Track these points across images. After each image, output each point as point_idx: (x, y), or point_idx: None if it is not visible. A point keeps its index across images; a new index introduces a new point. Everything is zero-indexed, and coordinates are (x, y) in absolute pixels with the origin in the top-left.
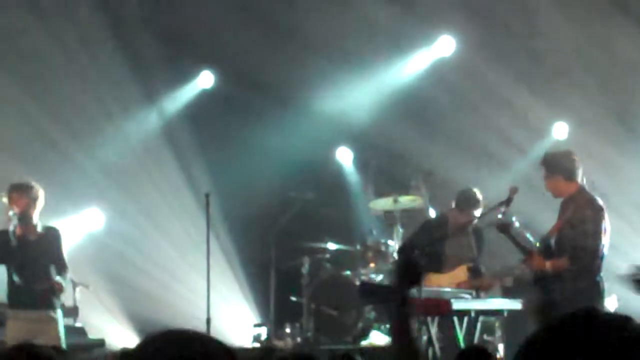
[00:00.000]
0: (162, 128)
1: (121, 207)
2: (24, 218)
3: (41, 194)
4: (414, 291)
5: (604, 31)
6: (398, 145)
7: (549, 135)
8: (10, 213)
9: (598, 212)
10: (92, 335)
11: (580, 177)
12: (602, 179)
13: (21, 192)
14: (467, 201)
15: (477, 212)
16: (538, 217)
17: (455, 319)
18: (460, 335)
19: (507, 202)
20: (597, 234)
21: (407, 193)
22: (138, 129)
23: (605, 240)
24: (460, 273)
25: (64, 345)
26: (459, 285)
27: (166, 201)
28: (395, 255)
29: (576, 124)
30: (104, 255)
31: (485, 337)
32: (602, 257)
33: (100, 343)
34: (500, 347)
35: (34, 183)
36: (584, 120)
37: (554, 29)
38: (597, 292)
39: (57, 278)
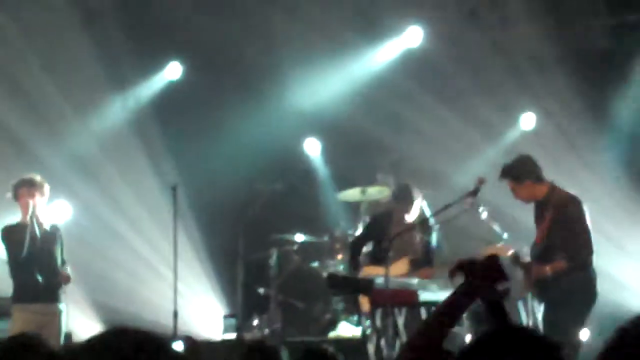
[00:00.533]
0: (129, 119)
1: (89, 199)
2: (34, 213)
3: (47, 188)
4: (380, 282)
5: (572, 19)
6: (366, 135)
7: (516, 125)
8: (30, 208)
9: (579, 205)
10: None
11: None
12: (569, 170)
13: (30, 187)
14: (403, 196)
15: (412, 208)
16: (507, 205)
17: (423, 309)
18: None
19: (474, 192)
20: (585, 228)
21: (374, 184)
22: (105, 120)
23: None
24: (402, 265)
25: (62, 338)
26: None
27: (134, 193)
28: (348, 251)
29: (544, 114)
30: (71, 247)
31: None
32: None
33: (67, 335)
34: (468, 338)
35: (40, 177)
36: (551, 110)
37: (522, 17)
38: (592, 283)
39: (67, 270)
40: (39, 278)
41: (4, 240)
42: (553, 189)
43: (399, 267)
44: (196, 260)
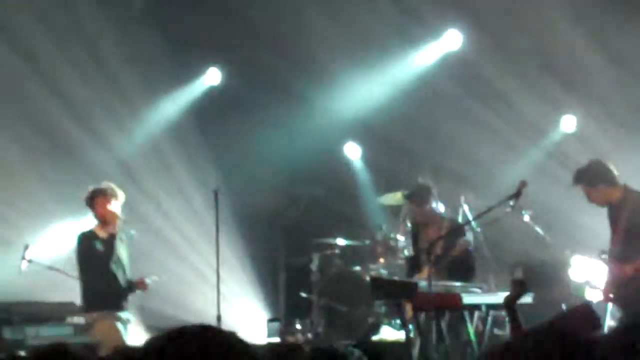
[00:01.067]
0: (169, 126)
1: (132, 204)
2: (108, 221)
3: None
4: (423, 285)
5: (613, 24)
6: (407, 139)
7: (557, 128)
8: (119, 219)
9: None
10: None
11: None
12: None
13: (106, 196)
14: (419, 197)
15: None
16: (551, 207)
17: (466, 313)
18: (471, 329)
19: (517, 195)
20: None
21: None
22: (145, 127)
23: None
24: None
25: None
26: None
27: (175, 199)
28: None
29: (584, 117)
30: None
31: (495, 331)
32: None
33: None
34: None
35: (114, 186)
36: (593, 112)
37: (564, 22)
38: None
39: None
40: (122, 285)
41: (84, 247)
42: (628, 192)
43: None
44: (239, 264)
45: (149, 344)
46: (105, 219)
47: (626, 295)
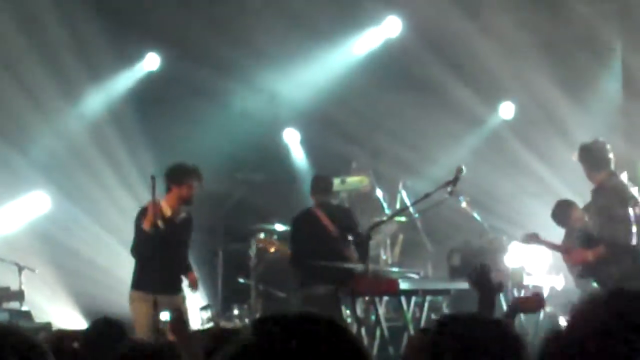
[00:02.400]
0: (108, 111)
1: (67, 190)
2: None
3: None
4: (361, 270)
5: (552, 8)
6: (345, 125)
7: (496, 114)
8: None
9: (607, 192)
10: (39, 318)
11: (611, 165)
12: (549, 157)
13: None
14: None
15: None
16: (488, 193)
17: (403, 298)
18: (408, 315)
19: (454, 181)
20: (625, 217)
21: (351, 173)
22: (84, 112)
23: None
24: None
25: None
26: None
27: (112, 183)
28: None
29: (523, 103)
30: (50, 239)
31: (432, 316)
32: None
33: (47, 326)
34: None
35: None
36: (531, 99)
37: (500, 9)
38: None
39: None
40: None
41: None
42: (608, 179)
43: None
44: None
45: None
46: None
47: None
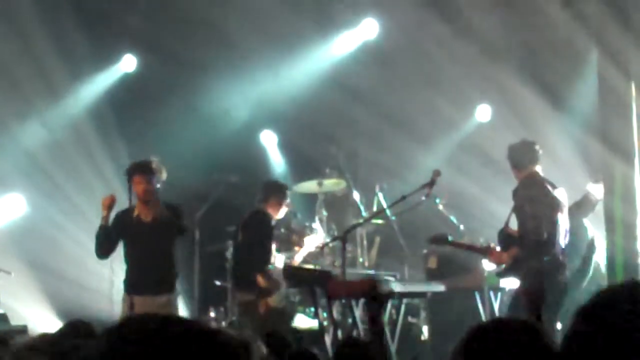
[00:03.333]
0: (85, 112)
1: (43, 192)
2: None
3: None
4: (337, 274)
5: (529, 12)
6: (323, 127)
7: (472, 117)
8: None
9: (528, 188)
10: (14, 321)
11: (534, 164)
12: None
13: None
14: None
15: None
16: (465, 195)
17: None
18: (385, 317)
19: (430, 184)
20: (535, 215)
21: (325, 177)
22: (61, 112)
23: (560, 220)
24: None
25: None
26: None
27: (90, 185)
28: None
29: (500, 106)
30: (26, 241)
31: (409, 319)
32: (552, 236)
33: (23, 329)
34: (425, 329)
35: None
36: (507, 102)
37: (477, 8)
38: (555, 268)
39: None
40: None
41: None
42: (528, 177)
43: None
44: None
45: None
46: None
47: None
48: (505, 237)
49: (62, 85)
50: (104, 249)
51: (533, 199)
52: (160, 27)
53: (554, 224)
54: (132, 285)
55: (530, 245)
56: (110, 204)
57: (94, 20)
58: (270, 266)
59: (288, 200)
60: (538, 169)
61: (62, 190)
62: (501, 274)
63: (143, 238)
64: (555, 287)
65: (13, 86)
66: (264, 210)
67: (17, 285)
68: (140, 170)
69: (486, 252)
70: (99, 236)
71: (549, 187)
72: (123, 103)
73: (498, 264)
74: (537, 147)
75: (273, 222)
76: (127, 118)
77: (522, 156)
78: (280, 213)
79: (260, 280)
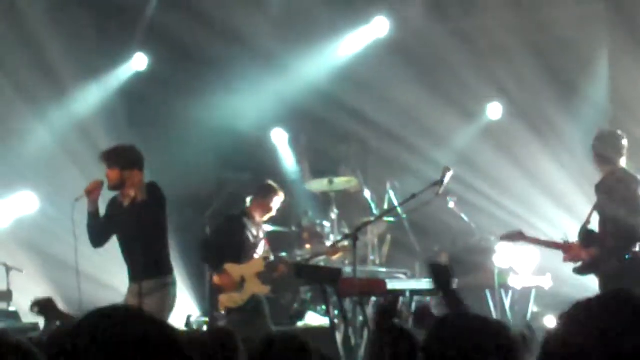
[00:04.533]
0: (96, 110)
1: (55, 189)
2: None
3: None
4: (348, 272)
5: (542, 13)
6: (334, 126)
7: (483, 114)
8: None
9: (623, 192)
10: (26, 319)
11: (618, 158)
12: (535, 158)
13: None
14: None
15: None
16: (478, 191)
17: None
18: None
19: (441, 181)
20: (617, 216)
21: (339, 175)
22: (72, 111)
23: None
24: (256, 265)
25: None
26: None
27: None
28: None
29: (510, 105)
30: (38, 239)
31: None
32: (632, 236)
33: (34, 327)
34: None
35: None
36: (518, 100)
37: (489, 6)
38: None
39: None
40: None
41: None
42: (610, 174)
43: (255, 265)
44: None
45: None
46: None
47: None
48: (586, 234)
49: (73, 83)
50: (93, 238)
51: (615, 198)
52: (171, 25)
53: (635, 225)
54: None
55: (611, 245)
56: (91, 189)
57: (105, 18)
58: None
59: (274, 204)
60: (622, 162)
61: (73, 188)
62: (578, 271)
63: (122, 223)
64: (637, 286)
65: (23, 85)
66: (238, 215)
67: (29, 283)
68: (105, 159)
69: (564, 248)
70: (88, 225)
71: (634, 185)
72: (134, 101)
73: (575, 260)
74: (624, 140)
75: (250, 224)
76: (138, 116)
77: (607, 148)
78: (266, 216)
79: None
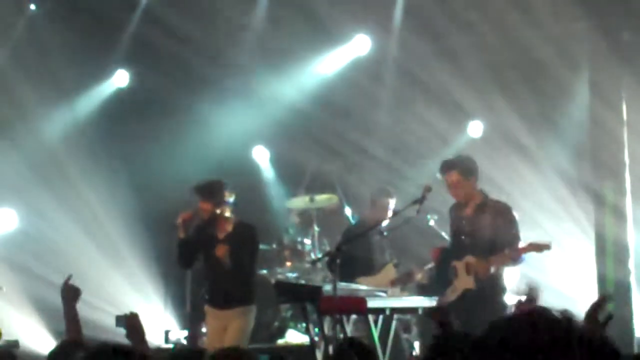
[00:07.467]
0: (77, 127)
1: (35, 207)
2: None
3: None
4: (328, 289)
5: (522, 32)
6: (315, 144)
7: (464, 133)
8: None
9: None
10: (6, 336)
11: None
12: (516, 176)
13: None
14: (379, 192)
15: (391, 203)
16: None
17: (371, 317)
18: (376, 333)
19: (421, 200)
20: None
21: (322, 192)
22: (53, 127)
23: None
24: (389, 272)
25: None
26: (392, 283)
27: (82, 200)
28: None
29: (491, 123)
30: (17, 256)
31: (401, 334)
32: None
33: (14, 344)
34: (417, 345)
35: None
36: (499, 119)
37: (470, 24)
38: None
39: None
40: None
41: None
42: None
43: (387, 275)
44: (145, 267)
45: None
46: None
47: None
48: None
49: (54, 99)
50: (183, 260)
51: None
52: (153, 43)
53: None
54: (208, 298)
55: None
56: (186, 219)
57: (86, 34)
58: None
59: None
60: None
61: (53, 205)
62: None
63: (213, 253)
64: None
65: (3, 101)
66: None
67: (9, 300)
68: (197, 193)
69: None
70: (178, 247)
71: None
72: (115, 118)
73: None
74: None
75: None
76: (119, 133)
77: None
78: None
79: None
